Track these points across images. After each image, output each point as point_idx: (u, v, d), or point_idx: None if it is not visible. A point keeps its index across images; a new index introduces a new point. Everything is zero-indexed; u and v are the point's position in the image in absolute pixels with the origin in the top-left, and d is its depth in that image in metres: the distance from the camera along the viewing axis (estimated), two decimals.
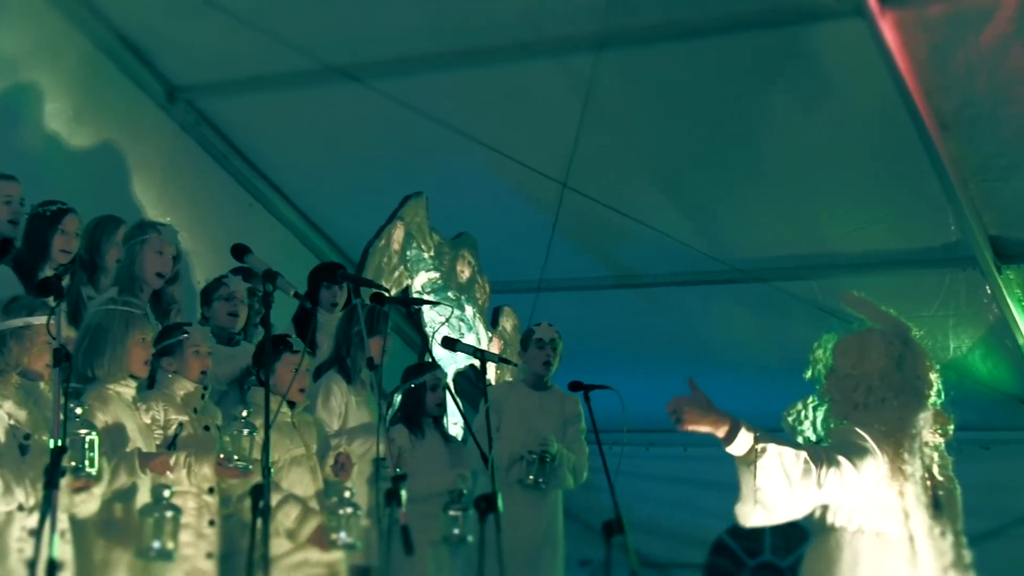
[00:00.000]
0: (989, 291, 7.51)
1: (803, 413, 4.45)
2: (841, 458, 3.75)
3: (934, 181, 6.73)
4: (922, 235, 7.35)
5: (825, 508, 3.92)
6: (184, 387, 4.64)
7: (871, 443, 3.81)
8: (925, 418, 3.93)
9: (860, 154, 6.93)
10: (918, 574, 3.78)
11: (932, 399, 4.04)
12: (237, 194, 7.75)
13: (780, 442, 3.75)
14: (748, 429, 3.68)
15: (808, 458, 3.70)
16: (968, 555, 3.94)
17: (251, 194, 7.83)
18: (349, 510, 4.61)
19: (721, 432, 3.69)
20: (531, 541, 6.03)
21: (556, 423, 6.22)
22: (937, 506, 3.90)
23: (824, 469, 3.69)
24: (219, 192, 7.59)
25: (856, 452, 3.80)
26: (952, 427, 4.09)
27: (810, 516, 3.99)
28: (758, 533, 9.76)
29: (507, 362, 6.11)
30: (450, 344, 5.07)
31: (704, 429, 3.70)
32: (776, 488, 3.66)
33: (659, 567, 9.62)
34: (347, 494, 4.62)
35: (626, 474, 9.29)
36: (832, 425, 4.10)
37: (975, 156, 6.59)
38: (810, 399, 4.35)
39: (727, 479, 9.77)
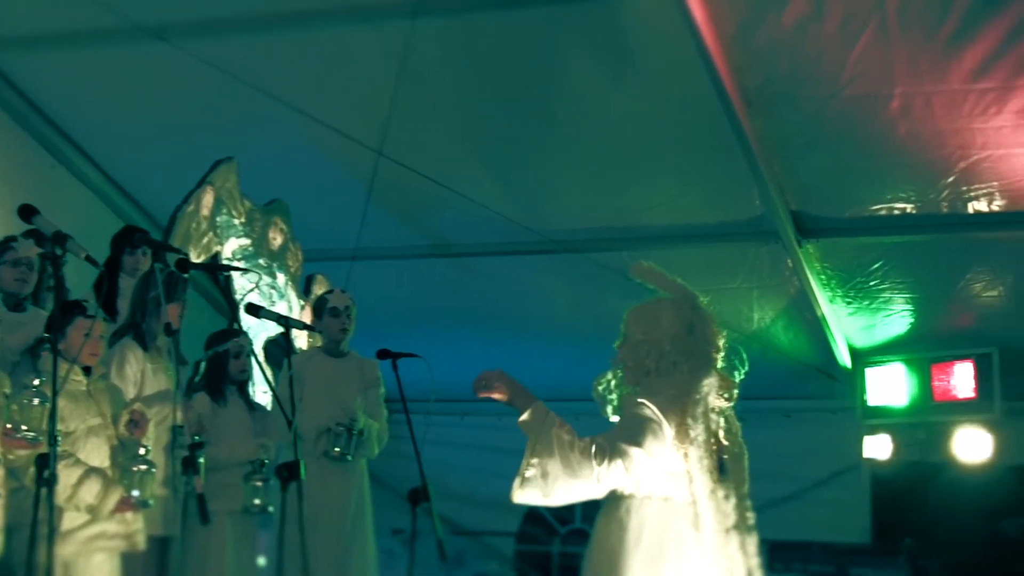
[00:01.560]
0: (791, 264, 7.76)
1: (613, 382, 4.51)
2: (629, 450, 3.81)
3: (740, 157, 6.89)
4: (729, 209, 7.54)
5: None
6: None
7: (656, 413, 3.89)
8: (710, 383, 4.03)
9: (670, 129, 7.05)
10: (700, 536, 3.89)
11: (719, 364, 4.16)
12: (39, 156, 7.45)
13: (569, 430, 3.82)
14: (540, 410, 3.79)
15: (588, 453, 3.76)
16: (752, 517, 4.06)
17: (54, 156, 7.54)
18: (143, 467, 4.52)
19: (504, 398, 3.85)
20: (342, 512, 6.01)
21: (357, 389, 6.19)
22: (722, 470, 4.01)
23: (606, 466, 3.76)
24: (19, 153, 7.27)
25: (643, 432, 3.86)
26: (737, 391, 4.21)
27: None
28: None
29: (312, 329, 6.05)
30: (254, 311, 4.98)
31: (498, 396, 3.84)
32: (549, 471, 3.73)
33: (472, 535, 9.70)
34: (141, 451, 4.53)
35: (441, 443, 9.36)
36: (623, 392, 4.17)
37: (777, 133, 6.77)
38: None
39: None
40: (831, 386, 8.98)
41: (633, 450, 3.79)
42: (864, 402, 8.76)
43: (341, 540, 5.94)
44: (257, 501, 5.38)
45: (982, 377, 8.28)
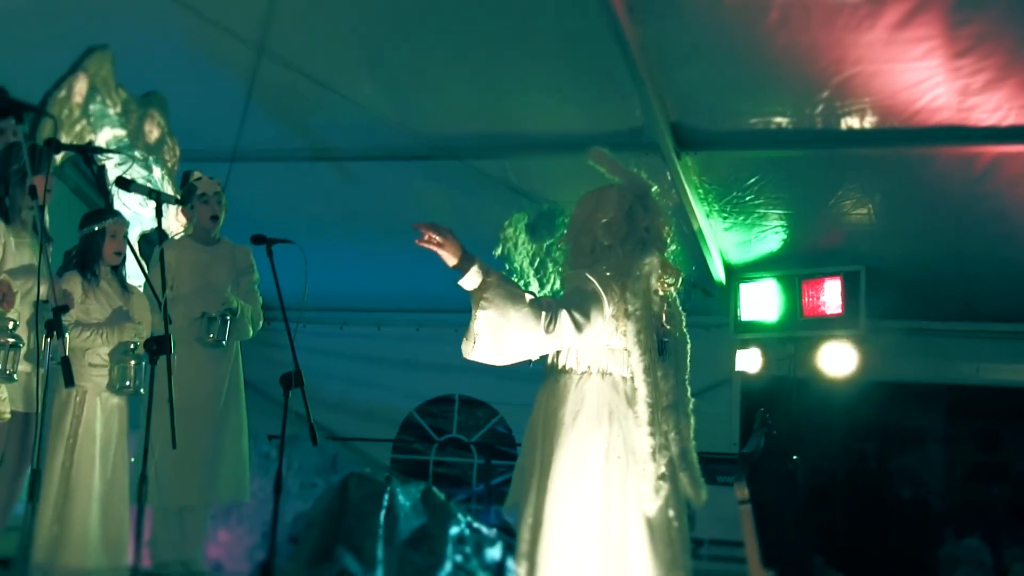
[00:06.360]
0: (669, 177, 7.82)
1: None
2: (572, 311, 3.90)
3: (621, 66, 6.90)
4: (609, 119, 7.51)
5: (556, 353, 4.08)
6: None
7: (598, 286, 3.97)
8: (651, 263, 4.10)
9: (553, 36, 7.02)
10: (635, 410, 3.98)
11: (662, 251, 4.23)
12: None
13: (512, 286, 3.88)
14: (481, 267, 3.83)
15: (535, 304, 3.83)
16: (692, 401, 4.17)
17: None
18: (11, 340, 4.44)
19: (453, 261, 3.85)
20: (215, 397, 6.00)
21: (230, 275, 6.14)
22: (662, 351, 4.09)
23: (551, 318, 3.83)
24: None
25: (585, 300, 3.96)
26: (682, 279, 4.29)
27: (544, 359, 4.16)
28: (447, 413, 10.04)
29: (182, 203, 5.97)
30: (124, 184, 4.89)
31: (445, 253, 3.87)
32: (497, 327, 3.80)
33: (348, 441, 9.75)
34: (9, 325, 4.44)
35: (319, 352, 9.36)
36: (566, 271, 4.26)
37: (658, 42, 6.79)
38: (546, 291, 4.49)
39: (418, 358, 9.98)
40: (706, 302, 9.16)
41: (578, 314, 3.88)
42: (737, 317, 8.97)
43: (215, 425, 5.93)
44: (128, 383, 5.33)
45: (849, 294, 8.54)
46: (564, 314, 3.87)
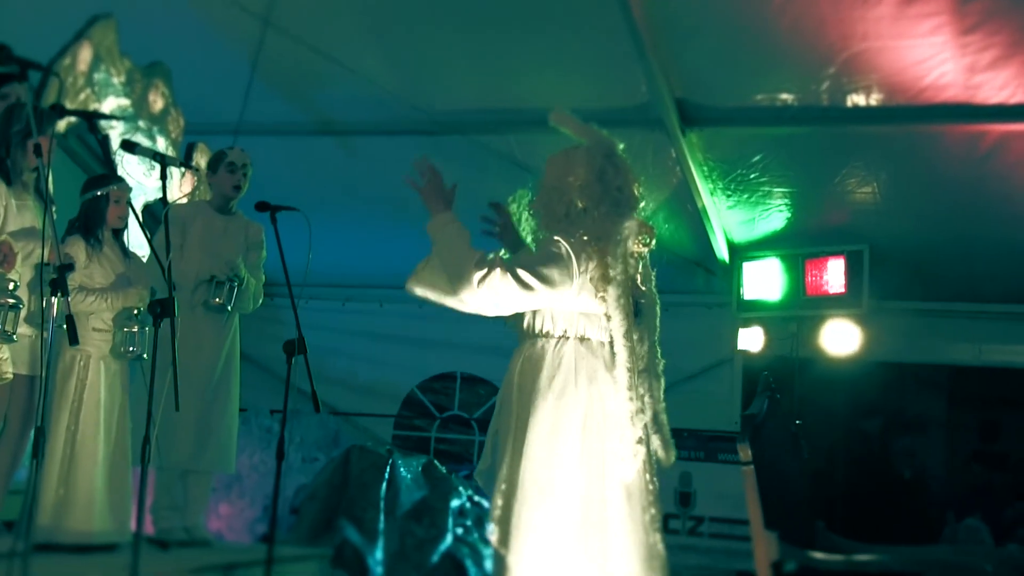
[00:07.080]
0: (674, 154, 7.82)
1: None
2: (519, 270, 3.87)
3: (627, 41, 6.88)
4: (614, 95, 7.48)
5: (534, 316, 4.07)
6: None
7: (570, 250, 3.94)
8: (630, 227, 4.08)
9: (559, 10, 6.99)
10: (613, 374, 3.96)
11: (635, 210, 4.21)
12: None
13: (467, 236, 3.91)
14: (449, 216, 4.00)
15: (475, 255, 3.82)
16: (662, 363, 4.16)
17: None
18: (11, 301, 4.43)
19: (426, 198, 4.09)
20: (213, 361, 6.01)
21: (240, 248, 6.16)
22: (637, 313, 4.07)
23: (486, 273, 3.81)
24: None
25: (546, 262, 3.93)
26: (655, 239, 4.27)
27: (520, 324, 4.15)
28: (449, 390, 10.03)
29: (187, 166, 5.96)
30: (129, 147, 4.87)
31: (431, 202, 4.07)
32: (436, 263, 3.85)
33: (349, 416, 9.75)
34: (10, 286, 4.43)
35: (322, 328, 9.34)
36: (541, 236, 4.24)
37: (666, 16, 6.77)
38: (501, 251, 4.44)
39: (421, 335, 9.92)
40: (709, 281, 9.15)
41: (528, 275, 3.85)
42: (740, 296, 8.95)
43: (210, 388, 5.94)
44: (132, 348, 5.33)
45: (852, 274, 8.51)
46: (501, 273, 3.85)
